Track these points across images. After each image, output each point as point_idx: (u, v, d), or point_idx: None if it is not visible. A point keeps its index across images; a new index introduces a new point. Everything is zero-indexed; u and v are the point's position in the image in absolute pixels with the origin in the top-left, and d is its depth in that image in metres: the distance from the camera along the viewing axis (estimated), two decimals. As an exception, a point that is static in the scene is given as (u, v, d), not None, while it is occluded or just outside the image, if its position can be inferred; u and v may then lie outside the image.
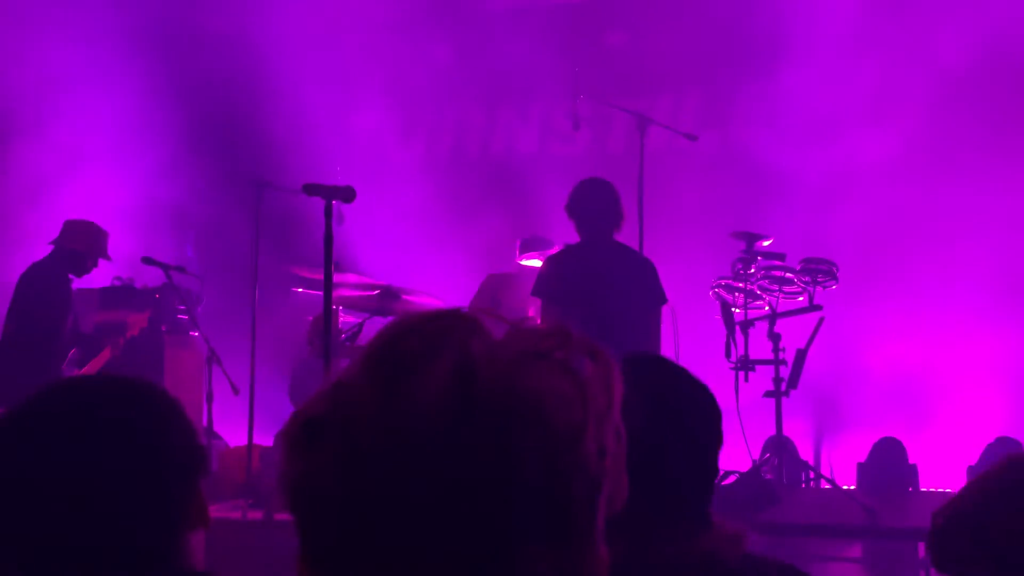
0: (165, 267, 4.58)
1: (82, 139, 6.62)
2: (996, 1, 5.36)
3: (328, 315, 2.75)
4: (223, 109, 6.54)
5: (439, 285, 5.31)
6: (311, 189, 2.83)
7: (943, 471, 5.29)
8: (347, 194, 2.83)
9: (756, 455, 4.84)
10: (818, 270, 4.57)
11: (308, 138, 6.14)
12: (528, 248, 5.12)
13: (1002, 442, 5.18)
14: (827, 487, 4.97)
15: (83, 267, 4.66)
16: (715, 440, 1.24)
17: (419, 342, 0.69)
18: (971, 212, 5.41)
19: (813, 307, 4.60)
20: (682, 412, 1.23)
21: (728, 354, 4.64)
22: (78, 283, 4.86)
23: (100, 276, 5.29)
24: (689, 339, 5.18)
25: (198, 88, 6.54)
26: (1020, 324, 5.24)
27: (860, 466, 5.29)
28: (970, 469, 5.21)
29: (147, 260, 4.62)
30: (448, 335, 0.69)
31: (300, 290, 4.83)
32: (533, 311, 4.44)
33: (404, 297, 4.59)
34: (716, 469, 1.24)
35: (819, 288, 4.61)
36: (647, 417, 1.12)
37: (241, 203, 4.82)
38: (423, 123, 6.70)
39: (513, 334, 0.71)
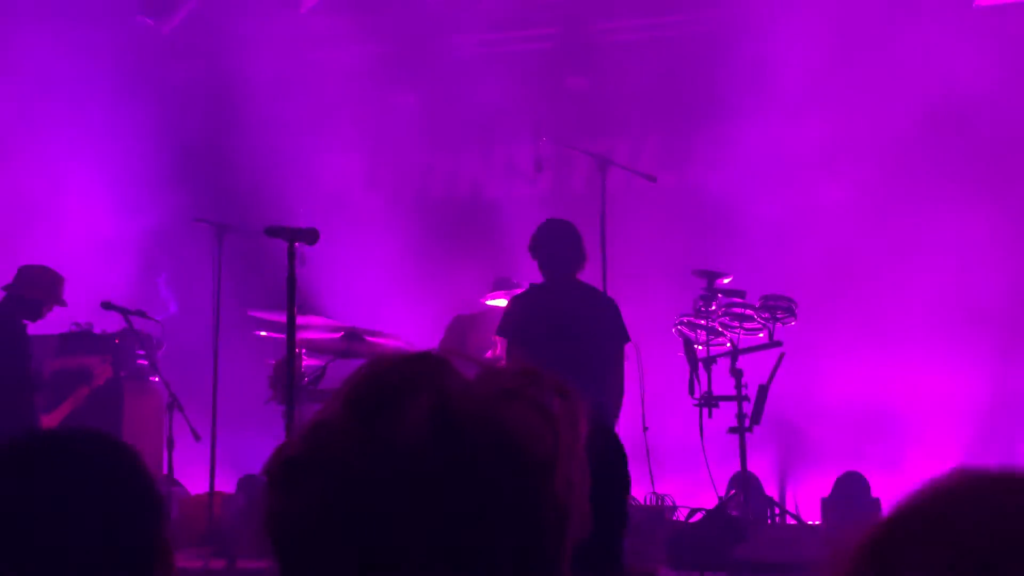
0: (124, 312, 4.53)
1: (45, 179, 6.55)
2: (940, 56, 5.56)
3: (291, 358, 2.74)
4: (187, 151, 6.54)
5: (405, 327, 5.30)
6: (274, 231, 2.83)
7: (906, 504, 5.34)
8: (310, 236, 2.83)
9: (722, 492, 4.86)
10: (777, 307, 4.65)
11: (273, 182, 6.15)
12: (494, 288, 5.15)
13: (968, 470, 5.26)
14: (792, 523, 5.00)
15: (38, 313, 4.60)
16: (623, 484, 1.28)
17: (397, 380, 0.72)
18: (923, 248, 5.54)
19: (773, 343, 4.66)
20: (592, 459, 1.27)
21: (692, 391, 4.68)
22: (35, 328, 4.78)
23: (57, 321, 5.21)
24: (653, 377, 5.21)
25: (163, 129, 6.53)
26: (977, 356, 5.35)
27: (824, 501, 5.33)
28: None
29: (106, 305, 4.57)
30: (424, 374, 0.72)
31: (263, 333, 4.79)
32: (499, 350, 4.45)
33: (368, 339, 4.57)
34: (626, 513, 1.27)
35: (779, 324, 4.68)
36: None
37: (202, 245, 4.80)
38: (389, 167, 6.75)
39: (485, 374, 0.74)
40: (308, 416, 0.76)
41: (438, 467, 0.68)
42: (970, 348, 5.35)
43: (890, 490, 5.35)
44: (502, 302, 4.74)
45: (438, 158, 6.69)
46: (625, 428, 5.16)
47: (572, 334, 3.88)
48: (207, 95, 6.52)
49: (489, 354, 4.54)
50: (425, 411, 0.69)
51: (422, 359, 0.74)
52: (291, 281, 2.76)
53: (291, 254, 2.77)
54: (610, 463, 1.29)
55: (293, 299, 2.75)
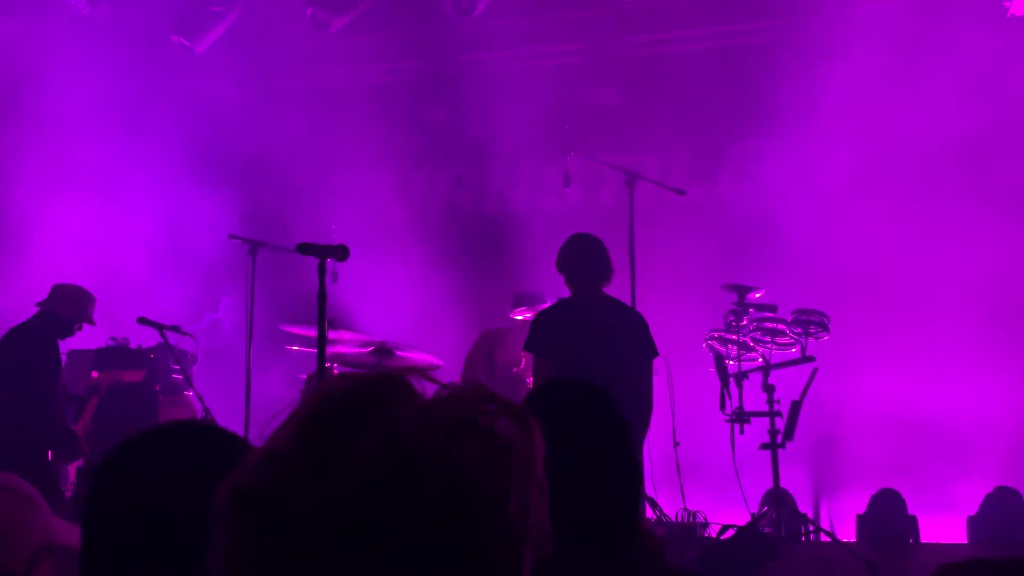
0: (160, 327, 4.59)
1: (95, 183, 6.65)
2: (975, 81, 5.51)
3: (322, 372, 2.76)
4: (221, 167, 6.63)
5: (435, 341, 5.32)
6: (305, 248, 2.86)
7: (943, 522, 5.24)
8: (340, 253, 2.86)
9: (754, 508, 4.80)
10: (809, 321, 4.59)
11: (306, 198, 6.22)
12: (520, 303, 5.15)
13: (1001, 492, 5.15)
14: (827, 540, 4.91)
15: (69, 331, 4.68)
16: (634, 485, 1.27)
17: (349, 412, 0.71)
18: (958, 261, 5.45)
19: (806, 358, 4.61)
20: (599, 457, 1.26)
21: (723, 407, 4.63)
22: (72, 343, 4.87)
23: (94, 336, 5.29)
24: (684, 392, 5.17)
25: (196, 146, 6.63)
26: (1015, 369, 5.25)
27: (859, 518, 5.24)
28: (970, 520, 5.17)
29: (142, 320, 4.63)
30: (377, 404, 0.71)
31: (295, 348, 4.83)
32: (524, 364, 4.44)
33: (398, 353, 4.60)
34: (635, 515, 1.26)
35: (811, 339, 4.63)
36: (564, 468, 1.14)
37: (236, 261, 4.85)
38: (419, 182, 6.80)
39: (439, 400, 0.73)
40: None
41: (390, 501, 0.67)
42: (1007, 361, 5.25)
43: (927, 508, 5.25)
44: (527, 316, 4.73)
45: (468, 173, 6.72)
46: (655, 444, 5.13)
47: (600, 349, 3.86)
48: (240, 113, 6.62)
49: (516, 370, 4.54)
50: (375, 446, 0.69)
51: (375, 385, 0.73)
52: (322, 297, 2.78)
53: (321, 270, 2.80)
54: (612, 439, 1.27)
55: (324, 315, 2.77)
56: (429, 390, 0.74)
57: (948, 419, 5.29)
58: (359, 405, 0.71)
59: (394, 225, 6.50)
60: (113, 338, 5.37)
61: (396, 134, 6.53)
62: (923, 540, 5.14)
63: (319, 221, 5.81)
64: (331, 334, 4.55)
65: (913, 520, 5.15)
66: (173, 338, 4.73)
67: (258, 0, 6.44)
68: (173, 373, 5.09)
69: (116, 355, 5.23)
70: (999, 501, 5.10)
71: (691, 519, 4.97)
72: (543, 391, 1.40)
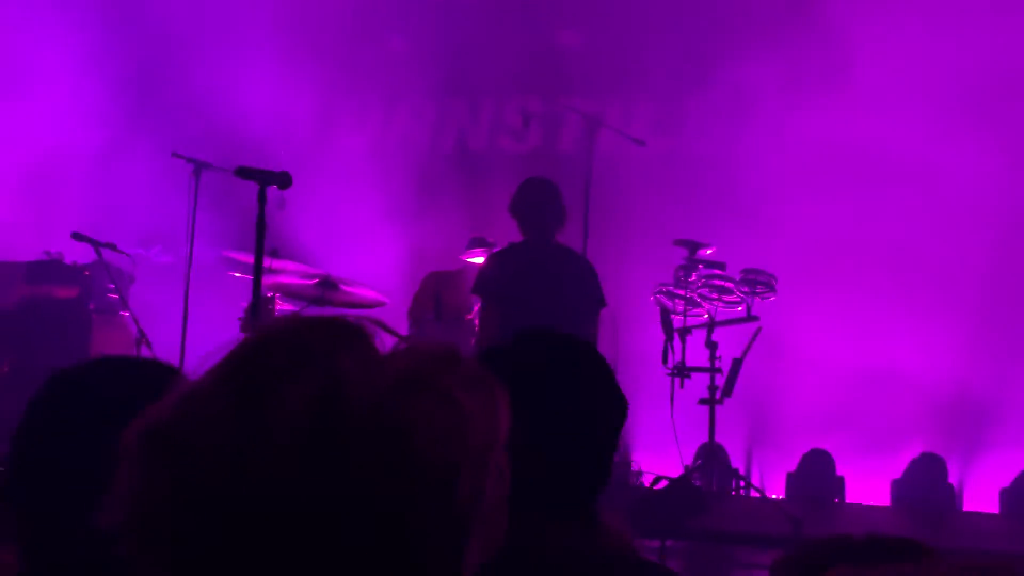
0: (96, 243, 4.43)
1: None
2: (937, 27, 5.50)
3: (257, 302, 2.68)
4: (163, 87, 6.38)
5: (381, 278, 5.23)
6: (245, 172, 2.75)
7: (869, 484, 5.40)
8: (283, 180, 2.75)
9: (689, 461, 4.88)
10: (757, 281, 4.62)
11: (253, 122, 6.01)
12: (475, 245, 5.09)
13: (926, 458, 5.31)
14: (755, 496, 5.03)
15: None
16: (612, 435, 1.22)
17: (285, 356, 0.63)
18: (904, 229, 5.52)
19: (751, 317, 4.65)
20: (581, 403, 1.20)
21: (665, 360, 4.67)
22: (4, 254, 4.69)
23: (28, 249, 5.09)
24: (628, 344, 5.20)
25: (138, 65, 6.36)
26: (950, 340, 5.36)
27: (789, 476, 5.37)
28: (894, 483, 5.33)
29: (77, 236, 4.47)
30: (319, 350, 0.63)
31: (237, 275, 4.71)
32: (475, 309, 4.40)
33: (343, 288, 4.51)
34: (609, 466, 1.21)
35: (757, 299, 4.66)
36: (540, 411, 1.09)
37: (177, 184, 4.69)
38: (375, 112, 6.61)
39: (396, 354, 0.65)
40: None
41: (314, 461, 0.59)
42: (944, 329, 5.35)
43: (855, 469, 5.40)
44: (481, 260, 4.68)
45: (425, 107, 6.56)
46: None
47: (547, 295, 3.83)
48: (195, 37, 6.34)
49: (468, 317, 4.50)
50: (310, 395, 0.60)
51: (321, 328, 0.64)
52: (260, 224, 2.68)
53: (261, 197, 2.70)
54: (607, 415, 1.21)
55: (262, 243, 2.68)
56: (389, 345, 0.65)
57: (884, 384, 5.41)
58: (298, 347, 0.63)
59: (349, 156, 6.33)
60: (47, 252, 5.19)
61: (354, 60, 6.34)
62: (849, 500, 5.29)
63: (272, 147, 5.63)
64: (275, 264, 4.44)
65: (840, 480, 5.30)
66: (109, 256, 4.57)
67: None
68: (108, 292, 4.93)
69: (49, 269, 5.05)
70: (924, 467, 5.27)
71: (627, 469, 5.04)
72: (509, 346, 1.27)
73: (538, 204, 3.95)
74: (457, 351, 0.66)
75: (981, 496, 5.29)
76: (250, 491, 0.60)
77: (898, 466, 5.32)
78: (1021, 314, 5.38)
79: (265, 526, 0.60)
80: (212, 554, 0.60)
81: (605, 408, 1.21)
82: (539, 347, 1.27)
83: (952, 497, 5.23)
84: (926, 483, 5.14)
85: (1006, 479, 5.19)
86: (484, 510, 0.64)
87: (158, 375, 1.05)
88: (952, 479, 5.29)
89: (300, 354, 0.63)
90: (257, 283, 2.63)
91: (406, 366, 0.64)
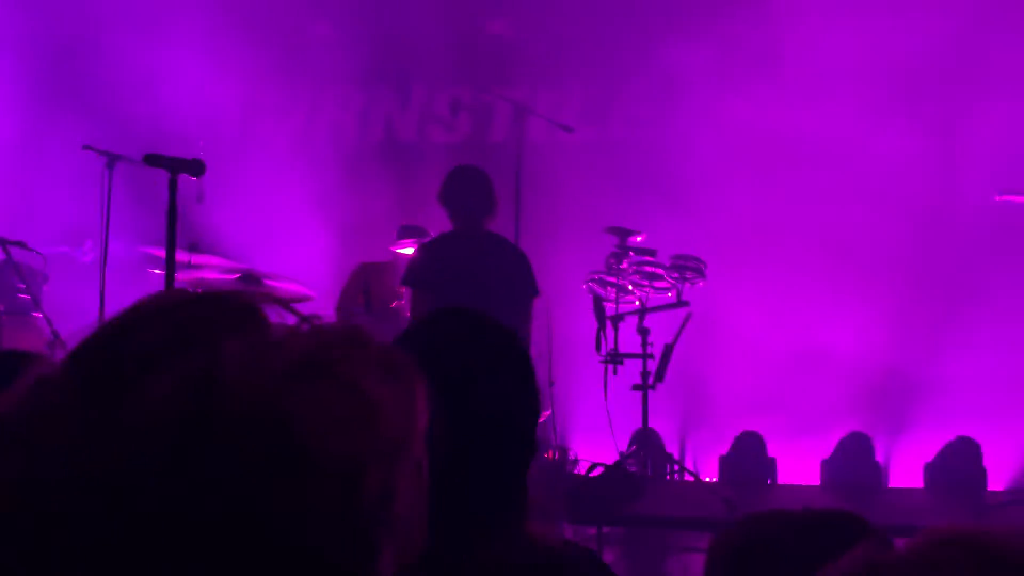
0: (2, 242, 4.24)
1: None
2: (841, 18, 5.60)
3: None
4: (75, 75, 6.14)
5: (309, 272, 5.12)
6: (154, 160, 2.63)
7: (800, 465, 5.50)
8: (195, 168, 2.64)
9: (624, 447, 4.91)
10: (686, 266, 4.66)
11: (175, 112, 5.81)
12: (404, 235, 5.01)
13: (854, 436, 5.44)
14: (690, 479, 5.09)
15: None
16: (530, 417, 1.16)
17: (158, 334, 0.55)
18: (832, 213, 5.62)
19: (681, 303, 4.69)
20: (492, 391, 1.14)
21: (598, 347, 4.68)
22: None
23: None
24: (562, 332, 5.19)
25: (54, 52, 6.10)
26: (878, 321, 5.48)
27: (722, 459, 5.45)
28: (824, 463, 5.45)
29: (-17, 234, 4.27)
30: (198, 330, 0.56)
31: (157, 271, 4.56)
32: (405, 300, 4.34)
33: (267, 282, 4.40)
34: (533, 448, 1.14)
35: (687, 284, 4.70)
36: (455, 409, 1.04)
37: (91, 178, 4.50)
38: (300, 100, 6.46)
39: (294, 336, 0.57)
40: None
41: (183, 458, 0.52)
42: (873, 312, 5.48)
43: (785, 450, 5.50)
44: (411, 251, 4.62)
45: (352, 95, 6.44)
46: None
47: (479, 285, 3.79)
48: (107, 19, 6.10)
49: (395, 304, 4.44)
50: (183, 379, 0.53)
51: (206, 305, 0.57)
52: (172, 215, 2.58)
53: (172, 185, 2.58)
54: (520, 396, 1.15)
55: (174, 234, 2.57)
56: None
57: (814, 365, 5.51)
58: (174, 326, 0.55)
59: (275, 146, 6.18)
60: (-47, 252, 4.94)
61: (279, 45, 6.17)
62: (780, 481, 5.39)
63: (195, 137, 5.44)
64: (195, 259, 4.31)
65: (772, 461, 5.39)
66: (20, 255, 4.37)
67: None
68: (18, 292, 4.72)
69: (-46, 270, 4.81)
70: (851, 445, 5.39)
71: (563, 457, 5.05)
72: (421, 326, 1.23)
73: (467, 192, 3.91)
74: (366, 334, 0.58)
75: (907, 472, 5.45)
76: (108, 483, 0.52)
77: (828, 446, 5.44)
78: (946, 294, 5.53)
79: (125, 524, 0.52)
80: (55, 555, 0.52)
81: (524, 401, 1.14)
82: (453, 338, 1.20)
83: (879, 474, 5.37)
84: (854, 461, 5.27)
85: (930, 454, 5.35)
86: (399, 511, 0.56)
87: (15, 364, 0.97)
88: (879, 456, 5.43)
89: (175, 334, 0.55)
90: (169, 277, 2.53)
91: (302, 349, 0.56)
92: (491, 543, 1.06)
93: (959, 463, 5.17)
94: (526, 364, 1.13)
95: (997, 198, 4.78)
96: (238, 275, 4.36)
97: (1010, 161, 5.36)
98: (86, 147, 4.30)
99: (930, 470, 5.31)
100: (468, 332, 1.11)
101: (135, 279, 4.74)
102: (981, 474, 5.19)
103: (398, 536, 0.56)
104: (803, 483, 5.36)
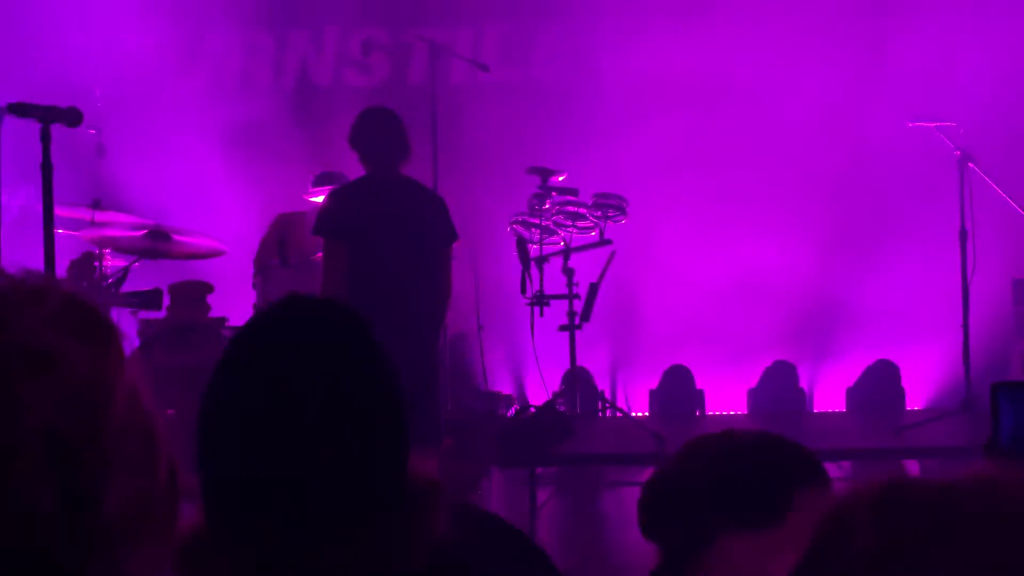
0: None
1: None
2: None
3: (50, 261, 2.45)
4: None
5: (221, 225, 4.95)
6: (21, 110, 2.46)
7: (728, 395, 5.60)
8: (70, 117, 2.48)
9: (554, 388, 4.92)
10: (608, 205, 4.63)
11: (71, 61, 5.51)
12: (321, 183, 4.87)
13: (778, 365, 5.55)
14: (620, 416, 5.14)
15: None
16: (384, 410, 1.02)
17: None
18: (755, 145, 5.63)
19: (604, 241, 4.67)
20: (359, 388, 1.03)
21: (524, 290, 4.65)
22: None
23: None
24: (487, 275, 5.15)
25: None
26: (802, 251, 5.55)
27: (651, 393, 5.52)
28: (750, 392, 5.56)
29: None
30: None
31: (60, 231, 4.35)
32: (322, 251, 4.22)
33: (176, 238, 4.24)
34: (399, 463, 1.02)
35: (610, 223, 4.68)
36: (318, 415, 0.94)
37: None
38: (208, 45, 6.17)
39: None
40: None
41: None
42: (796, 243, 5.54)
43: (713, 382, 5.60)
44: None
45: (263, 40, 6.18)
46: (460, 328, 5.11)
47: (394, 229, 3.69)
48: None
49: (315, 258, 4.32)
50: None
51: None
52: (46, 168, 2.42)
53: (45, 136, 2.42)
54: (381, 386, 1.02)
55: (50, 191, 2.42)
56: None
57: (739, 296, 5.57)
58: None
59: (183, 95, 5.91)
60: None
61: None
62: (709, 412, 5.49)
63: (88, 83, 5.16)
64: (99, 216, 4.13)
65: (700, 393, 5.49)
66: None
67: None
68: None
69: None
70: (776, 374, 5.51)
71: (493, 401, 5.05)
72: (259, 324, 1.06)
73: (378, 134, 3.77)
74: (50, 287, 0.53)
75: (830, 397, 5.59)
76: None
77: (754, 375, 5.54)
78: (866, 223, 5.62)
79: None
80: None
81: (370, 394, 1.01)
82: (288, 338, 1.05)
83: (803, 400, 5.50)
84: (779, 389, 5.39)
85: (852, 379, 5.50)
86: (115, 506, 0.49)
87: None
88: (803, 383, 5.56)
89: None
90: (49, 236, 2.39)
91: None
92: (360, 546, 0.96)
93: (879, 385, 5.33)
94: (371, 358, 1.02)
95: (909, 124, 4.83)
96: (145, 231, 4.19)
97: (924, 88, 5.42)
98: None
99: (852, 393, 5.46)
100: (304, 333, 1.00)
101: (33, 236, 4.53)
102: (900, 395, 5.36)
103: (129, 539, 0.49)
104: (731, 412, 5.47)
